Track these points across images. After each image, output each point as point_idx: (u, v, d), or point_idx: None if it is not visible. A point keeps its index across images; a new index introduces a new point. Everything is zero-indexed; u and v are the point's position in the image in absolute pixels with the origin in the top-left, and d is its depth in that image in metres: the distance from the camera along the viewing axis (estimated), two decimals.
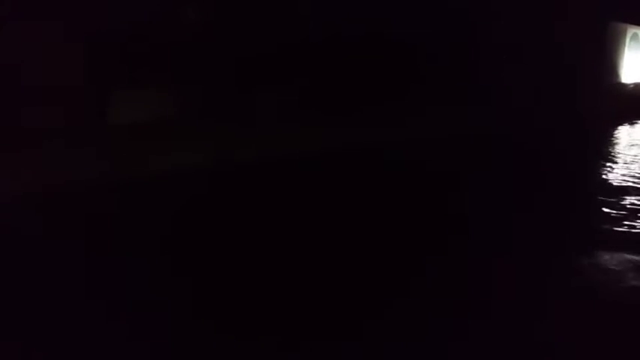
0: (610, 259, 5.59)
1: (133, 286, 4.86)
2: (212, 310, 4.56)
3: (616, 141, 12.43)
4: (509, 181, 8.50)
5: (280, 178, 8.45)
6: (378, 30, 12.40)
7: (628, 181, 8.66)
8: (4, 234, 5.91)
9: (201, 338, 4.11)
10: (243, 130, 10.03)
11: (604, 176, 9.11)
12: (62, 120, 8.82)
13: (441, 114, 12.04)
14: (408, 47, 12.69)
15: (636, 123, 14.48)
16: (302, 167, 8.94)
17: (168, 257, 5.52)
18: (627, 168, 9.52)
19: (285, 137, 10.06)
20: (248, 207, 7.19)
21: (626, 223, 6.68)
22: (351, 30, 12.05)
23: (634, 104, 15.71)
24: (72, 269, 5.19)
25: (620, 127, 13.77)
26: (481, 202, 7.41)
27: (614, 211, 7.09)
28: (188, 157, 8.77)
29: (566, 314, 4.54)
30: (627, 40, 16.86)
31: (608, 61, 16.54)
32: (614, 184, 8.54)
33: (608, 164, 9.85)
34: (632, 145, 11.65)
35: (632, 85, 16.91)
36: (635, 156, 10.51)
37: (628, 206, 7.30)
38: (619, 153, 10.87)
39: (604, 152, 10.89)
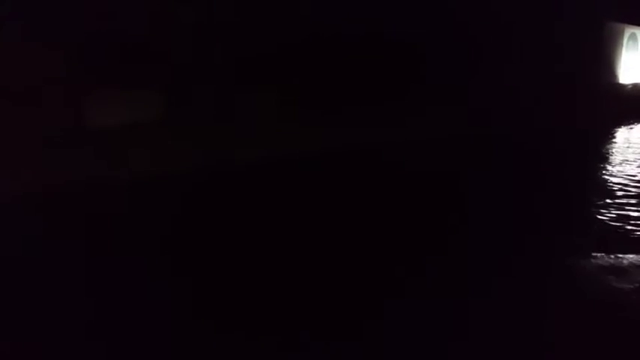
0: (610, 259, 5.60)
1: (133, 286, 4.87)
2: (212, 310, 4.56)
3: (615, 141, 12.46)
4: (508, 181, 8.52)
5: (280, 178, 8.46)
6: (378, 30, 12.39)
7: (628, 180, 8.68)
8: (4, 234, 5.91)
9: (201, 338, 4.11)
10: (243, 129, 10.03)
11: (603, 177, 9.12)
12: (62, 120, 8.81)
13: (441, 114, 12.05)
14: (408, 47, 12.69)
15: (636, 123, 14.51)
16: (302, 167, 8.96)
17: (169, 257, 5.53)
18: (626, 168, 9.54)
19: (285, 137, 10.06)
20: (248, 207, 7.19)
21: (625, 223, 6.69)
22: (351, 30, 12.04)
23: (633, 105, 15.73)
24: (72, 269, 5.19)
25: (618, 128, 13.80)
26: (481, 202, 7.43)
27: (614, 212, 7.10)
28: (188, 157, 8.77)
29: (566, 314, 4.55)
30: (625, 40, 16.83)
31: (606, 62, 16.54)
32: (614, 184, 8.55)
33: (608, 165, 9.87)
34: (630, 146, 11.67)
35: (630, 86, 16.91)
36: (635, 156, 10.53)
37: (627, 207, 7.32)
38: (618, 153, 10.89)
39: (603, 153, 10.91)
